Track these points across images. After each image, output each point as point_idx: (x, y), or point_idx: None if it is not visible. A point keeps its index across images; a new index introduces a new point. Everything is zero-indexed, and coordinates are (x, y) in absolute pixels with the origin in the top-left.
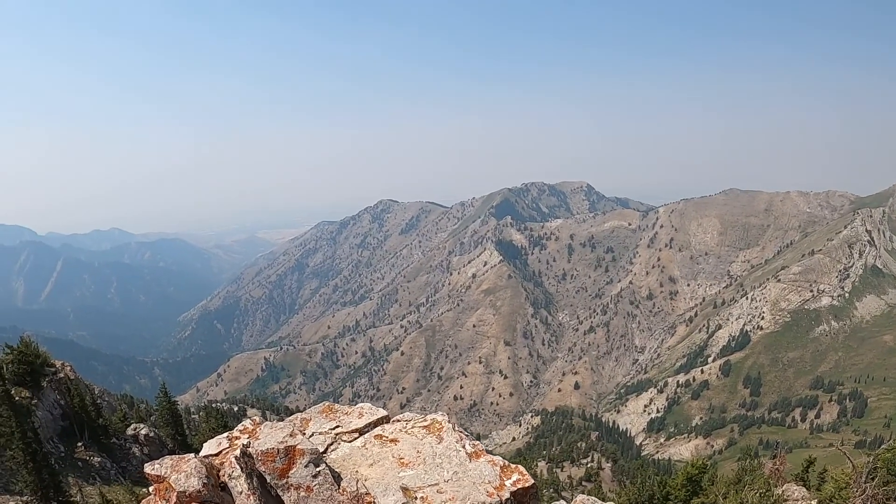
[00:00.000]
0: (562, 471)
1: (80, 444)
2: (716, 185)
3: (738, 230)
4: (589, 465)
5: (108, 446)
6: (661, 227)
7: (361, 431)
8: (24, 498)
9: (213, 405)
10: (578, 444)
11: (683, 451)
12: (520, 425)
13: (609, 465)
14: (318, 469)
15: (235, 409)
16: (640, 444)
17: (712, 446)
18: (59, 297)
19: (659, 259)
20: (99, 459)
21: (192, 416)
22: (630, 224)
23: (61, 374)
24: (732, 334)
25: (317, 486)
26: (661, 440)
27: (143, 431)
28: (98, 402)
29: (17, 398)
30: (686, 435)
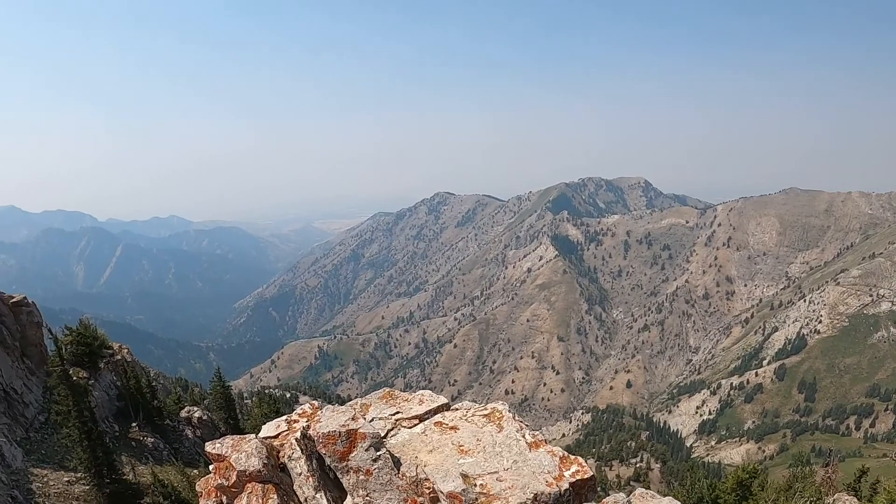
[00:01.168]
0: (610, 469)
1: (134, 424)
2: (776, 183)
3: (798, 230)
4: (638, 465)
5: (162, 428)
6: (720, 225)
7: (421, 418)
8: (78, 474)
9: (266, 391)
10: (628, 444)
11: (734, 455)
12: (570, 422)
13: (658, 465)
14: (378, 453)
15: (288, 395)
16: (691, 445)
17: (764, 451)
18: (118, 281)
19: (716, 258)
20: (152, 440)
21: (245, 401)
22: (687, 222)
23: (118, 357)
24: (788, 337)
25: (376, 470)
26: (712, 443)
27: (196, 414)
28: (153, 384)
29: (74, 378)
30: (738, 439)
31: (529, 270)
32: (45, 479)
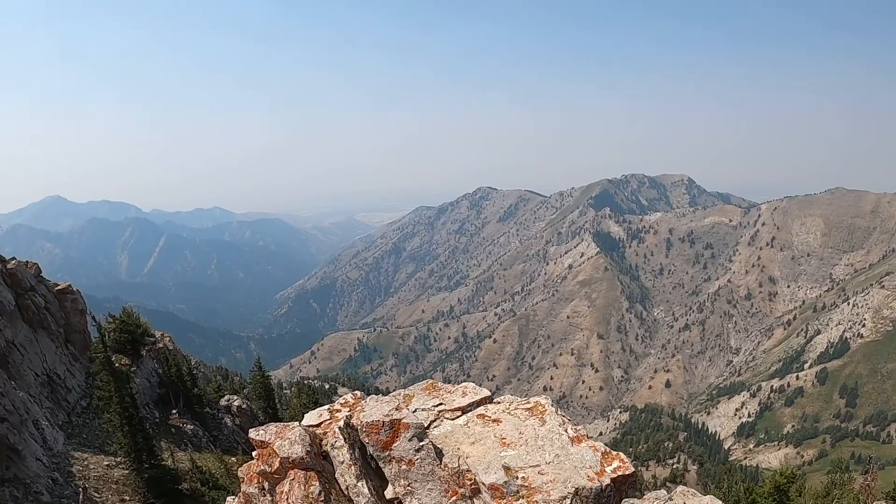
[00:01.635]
0: (647, 469)
1: (174, 411)
2: (821, 182)
3: (843, 231)
4: (675, 466)
5: (202, 415)
6: (763, 224)
7: (464, 410)
8: (118, 459)
9: (305, 382)
10: (665, 444)
11: (772, 459)
12: (608, 420)
13: (695, 467)
14: (421, 443)
15: (327, 386)
16: (729, 448)
17: (802, 456)
18: (161, 271)
19: (759, 258)
20: (192, 427)
21: (284, 391)
22: (731, 220)
23: (160, 345)
24: (831, 341)
25: (419, 460)
26: (750, 446)
27: (235, 403)
28: (194, 372)
29: (117, 365)
30: (776, 443)
31: (570, 267)
32: (86, 463)
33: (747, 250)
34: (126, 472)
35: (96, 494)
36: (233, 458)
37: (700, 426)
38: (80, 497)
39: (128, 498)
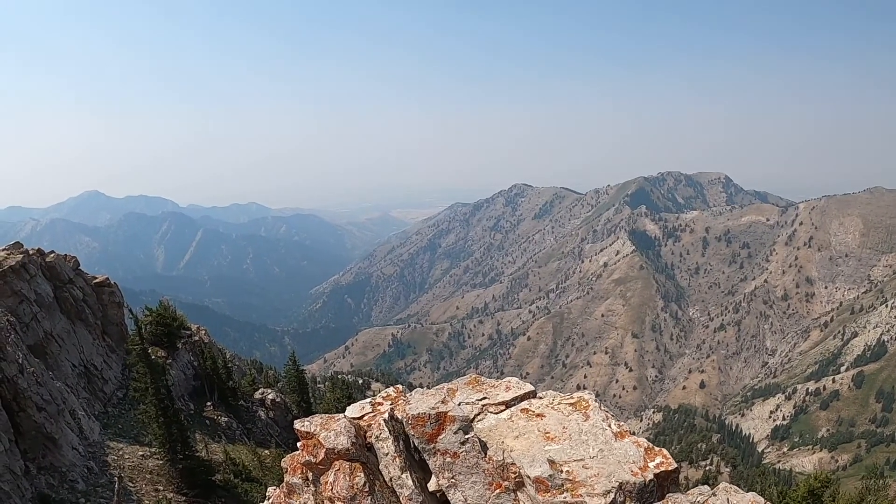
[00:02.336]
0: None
1: (209, 403)
2: (860, 182)
3: (882, 232)
4: (707, 468)
5: (236, 408)
6: (801, 224)
7: (508, 404)
8: (153, 449)
9: (339, 376)
10: (698, 446)
11: (806, 463)
12: (640, 420)
13: (728, 469)
14: (466, 436)
15: (360, 381)
16: (762, 451)
17: (837, 461)
18: (197, 265)
19: (796, 258)
20: (226, 419)
21: (318, 386)
22: (768, 219)
23: (196, 338)
24: (868, 343)
25: (464, 453)
26: (784, 449)
27: (269, 396)
28: (229, 365)
29: (153, 357)
30: (810, 446)
31: (606, 265)
32: (121, 453)
33: (784, 250)
34: (160, 462)
35: (131, 484)
36: (266, 451)
37: (734, 428)
38: (116, 486)
39: (162, 488)
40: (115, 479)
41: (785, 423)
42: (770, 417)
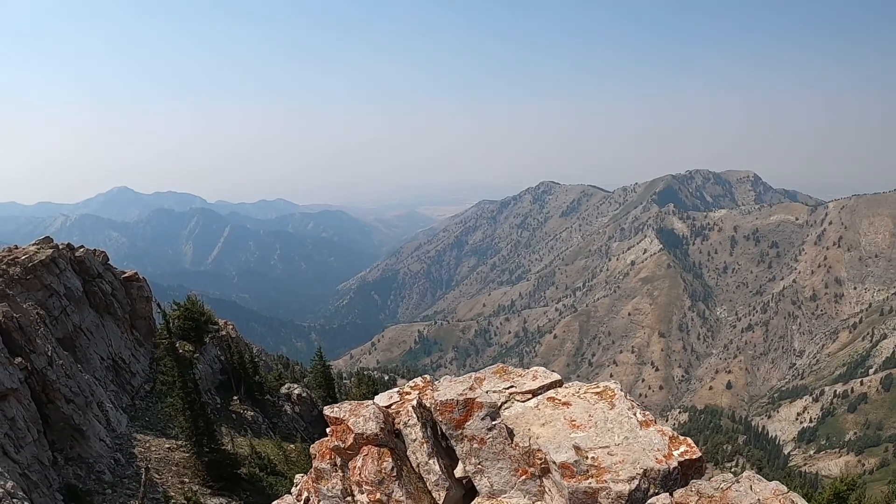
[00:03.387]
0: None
1: (235, 397)
2: (891, 181)
3: None
4: (733, 470)
5: (262, 402)
6: (830, 223)
7: (535, 393)
8: (179, 442)
9: (365, 372)
10: (724, 447)
11: (832, 466)
12: (666, 420)
13: (753, 471)
14: (494, 423)
15: (386, 377)
16: (788, 453)
17: (863, 465)
18: (225, 260)
19: (826, 258)
20: (252, 413)
21: (344, 381)
22: (797, 219)
23: (223, 332)
24: None
25: (490, 439)
26: (811, 452)
27: (296, 391)
28: (255, 360)
29: (181, 351)
30: (837, 450)
31: (633, 263)
32: (148, 445)
33: (813, 250)
34: (187, 454)
35: (157, 475)
36: (291, 445)
37: (760, 430)
38: (142, 477)
39: (187, 480)
40: (142, 470)
41: (812, 425)
42: (797, 420)
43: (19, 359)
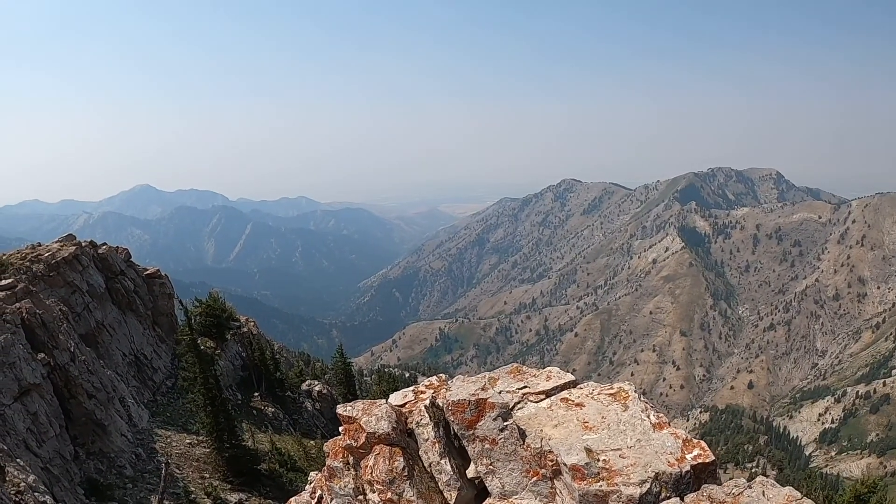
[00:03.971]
0: (724, 472)
1: (256, 394)
2: None
3: None
4: (753, 471)
5: (283, 399)
6: (854, 222)
7: (548, 393)
8: (200, 437)
9: (386, 369)
10: (745, 447)
11: (854, 468)
12: (687, 420)
13: (774, 472)
14: (505, 423)
15: (407, 375)
16: (810, 454)
17: (885, 467)
18: (247, 258)
19: (849, 257)
20: (273, 410)
21: (365, 378)
22: (820, 217)
23: (245, 329)
24: None
25: (502, 440)
26: (832, 454)
27: (316, 388)
28: (276, 357)
29: (202, 347)
30: (859, 451)
31: (654, 262)
32: (169, 440)
33: (836, 248)
34: (207, 450)
35: (178, 470)
36: (311, 442)
37: (781, 430)
38: (163, 472)
39: (208, 475)
40: (163, 465)
41: (834, 426)
42: (819, 420)
43: (42, 354)
